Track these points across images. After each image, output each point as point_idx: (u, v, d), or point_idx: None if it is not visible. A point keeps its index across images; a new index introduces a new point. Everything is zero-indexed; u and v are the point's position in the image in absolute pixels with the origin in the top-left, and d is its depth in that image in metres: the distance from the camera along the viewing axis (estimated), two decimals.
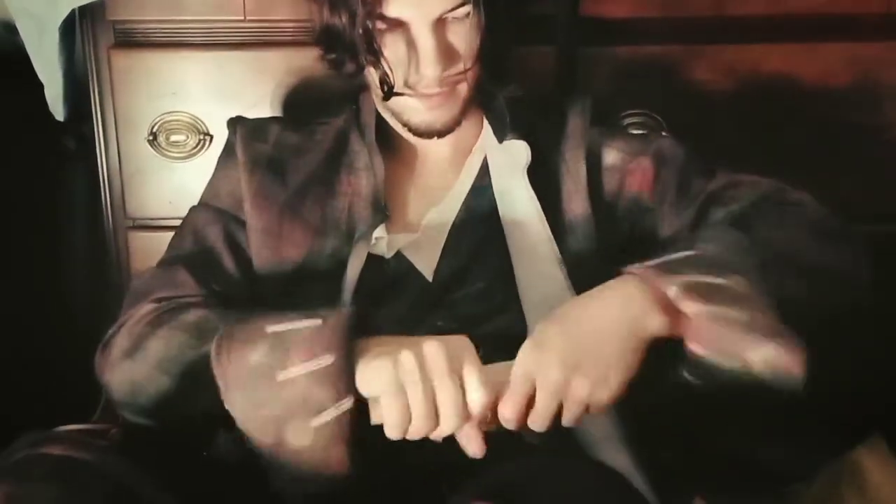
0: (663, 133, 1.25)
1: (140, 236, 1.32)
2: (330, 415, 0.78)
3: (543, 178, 1.01)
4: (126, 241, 1.32)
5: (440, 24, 0.94)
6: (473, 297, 0.98)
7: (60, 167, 1.50)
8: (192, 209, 1.07)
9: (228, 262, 1.01)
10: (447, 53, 0.94)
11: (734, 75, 1.26)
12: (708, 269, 0.83)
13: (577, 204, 1.01)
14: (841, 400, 1.33)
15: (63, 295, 1.52)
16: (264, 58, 1.26)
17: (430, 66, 0.94)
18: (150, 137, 1.27)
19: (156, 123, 1.27)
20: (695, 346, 0.82)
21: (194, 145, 1.28)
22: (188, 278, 0.98)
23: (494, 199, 1.02)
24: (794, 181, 1.27)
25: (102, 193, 1.32)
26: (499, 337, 0.85)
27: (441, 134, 1.01)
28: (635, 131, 1.25)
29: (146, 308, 0.94)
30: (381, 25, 0.94)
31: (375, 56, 0.94)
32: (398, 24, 0.94)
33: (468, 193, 1.03)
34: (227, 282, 1.00)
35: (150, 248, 1.31)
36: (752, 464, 1.25)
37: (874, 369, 1.33)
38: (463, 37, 0.94)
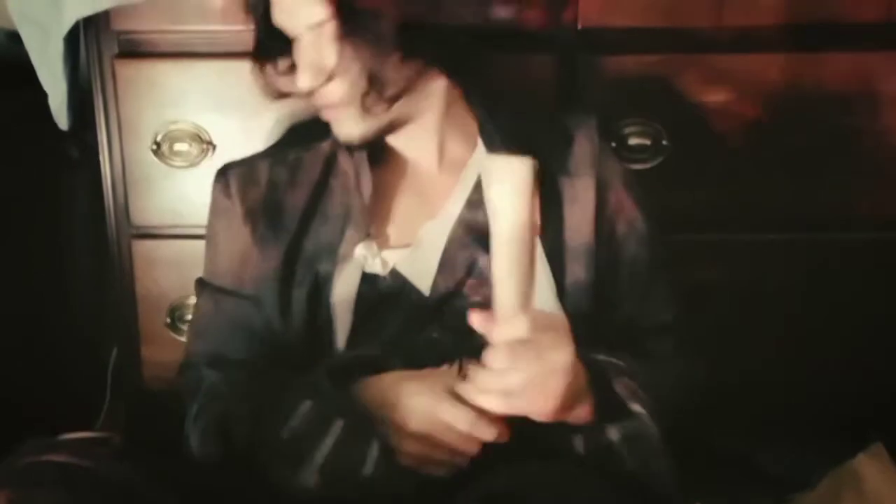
0: (664, 142, 1.25)
1: (143, 244, 1.32)
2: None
3: (543, 200, 0.99)
4: (129, 249, 1.32)
5: (316, 36, 0.95)
6: (469, 309, 0.98)
7: (64, 175, 1.50)
8: (206, 293, 1.05)
9: (260, 339, 1.01)
10: (317, 65, 0.95)
11: (734, 84, 1.26)
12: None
13: (582, 233, 1.01)
14: (842, 406, 1.34)
15: (67, 303, 1.52)
16: None
17: (299, 76, 0.96)
18: (154, 146, 1.28)
19: (159, 132, 1.28)
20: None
21: (197, 154, 1.28)
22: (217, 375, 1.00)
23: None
24: (796, 189, 1.29)
25: (106, 202, 1.32)
26: None
27: (362, 147, 1.01)
28: (636, 140, 1.26)
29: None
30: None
31: (261, 59, 1.01)
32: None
33: (463, 207, 1.02)
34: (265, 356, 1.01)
35: (153, 256, 1.32)
36: (752, 469, 1.25)
37: (876, 375, 1.33)
38: (333, 50, 0.95)
